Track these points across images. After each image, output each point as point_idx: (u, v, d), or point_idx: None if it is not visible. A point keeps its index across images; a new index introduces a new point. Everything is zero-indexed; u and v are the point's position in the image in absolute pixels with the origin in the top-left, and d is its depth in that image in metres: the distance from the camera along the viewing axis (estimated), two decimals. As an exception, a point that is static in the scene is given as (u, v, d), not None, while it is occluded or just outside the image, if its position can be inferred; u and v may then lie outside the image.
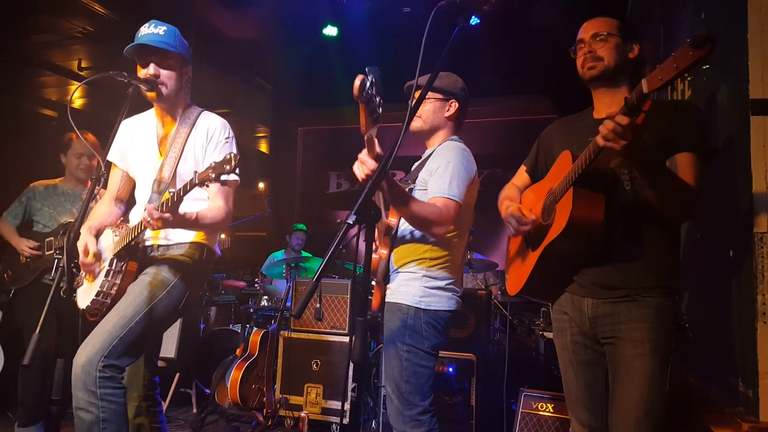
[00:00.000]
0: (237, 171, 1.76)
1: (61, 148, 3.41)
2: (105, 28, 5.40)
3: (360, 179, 1.80)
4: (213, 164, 1.80)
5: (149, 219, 1.86)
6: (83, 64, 6.26)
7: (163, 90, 2.15)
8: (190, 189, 1.84)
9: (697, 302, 2.40)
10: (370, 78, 1.54)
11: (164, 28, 2.17)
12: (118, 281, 2.09)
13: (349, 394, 3.63)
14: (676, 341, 1.67)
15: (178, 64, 2.18)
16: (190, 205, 2.08)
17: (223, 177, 1.77)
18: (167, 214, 1.86)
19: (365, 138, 1.71)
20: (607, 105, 1.79)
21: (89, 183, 3.35)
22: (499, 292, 4.62)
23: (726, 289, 1.95)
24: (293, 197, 7.99)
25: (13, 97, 6.19)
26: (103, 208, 2.34)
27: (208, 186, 1.87)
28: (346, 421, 3.60)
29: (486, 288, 4.46)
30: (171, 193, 1.89)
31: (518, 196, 2.03)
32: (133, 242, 2.10)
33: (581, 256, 1.75)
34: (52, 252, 3.18)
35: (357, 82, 1.56)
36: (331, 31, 5.94)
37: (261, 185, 9.53)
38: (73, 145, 3.36)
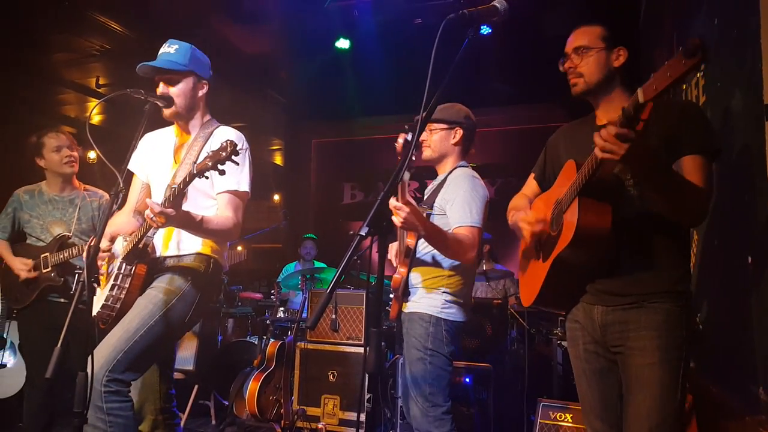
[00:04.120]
0: (234, 158, 1.80)
1: (33, 152, 3.10)
2: (122, 45, 5.51)
3: (399, 225, 2.09)
4: (210, 153, 1.83)
5: (151, 215, 1.87)
6: (101, 81, 6.40)
7: (173, 107, 2.20)
8: (190, 181, 1.87)
9: (715, 309, 2.36)
10: (410, 136, 1.78)
11: (177, 46, 2.22)
12: (126, 285, 2.09)
13: (365, 405, 3.63)
14: (689, 346, 1.65)
15: (189, 81, 2.23)
16: (196, 212, 2.10)
17: (221, 166, 1.80)
18: (169, 210, 1.86)
19: (399, 185, 1.99)
20: (605, 110, 1.80)
21: (75, 181, 3.18)
22: (515, 302, 4.59)
23: (745, 295, 1.92)
24: (307, 209, 8.03)
25: (33, 114, 6.34)
26: (122, 218, 2.36)
27: (207, 177, 1.89)
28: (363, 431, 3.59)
29: (504, 297, 4.44)
30: (172, 188, 1.92)
31: (527, 206, 2.02)
32: (140, 244, 2.10)
33: (591, 266, 1.73)
34: (49, 270, 2.98)
35: (400, 140, 1.96)
36: (343, 44, 5.99)
37: (276, 197, 9.60)
38: (46, 143, 3.08)
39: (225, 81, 6.19)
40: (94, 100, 6.66)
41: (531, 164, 2.17)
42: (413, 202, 2.10)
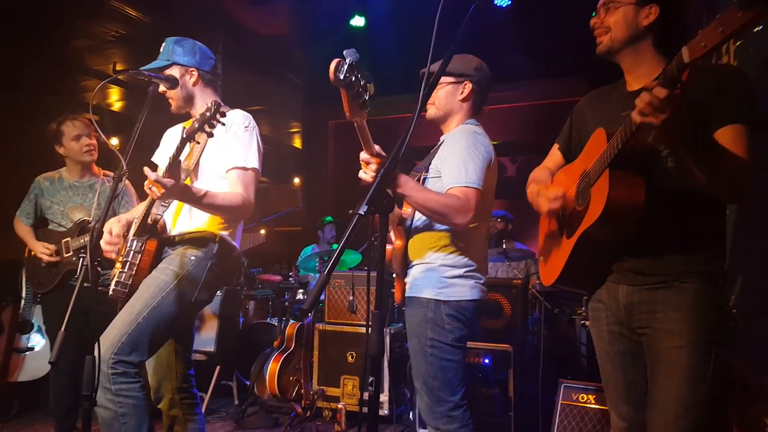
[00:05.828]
0: (220, 119, 1.82)
1: (52, 140, 3.14)
2: (138, 31, 5.51)
3: (369, 181, 1.80)
4: (197, 116, 1.86)
5: (149, 184, 1.87)
6: (118, 67, 6.42)
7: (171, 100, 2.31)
8: (183, 146, 1.92)
9: (750, 289, 2.27)
10: (347, 61, 1.48)
11: (164, 44, 2.31)
12: (137, 262, 2.09)
13: (387, 386, 3.62)
14: (722, 330, 1.55)
15: (173, 72, 2.29)
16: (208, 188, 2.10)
17: (208, 128, 1.83)
18: (166, 179, 1.85)
19: (355, 125, 1.68)
20: (635, 74, 1.68)
21: (94, 167, 3.22)
22: (537, 282, 4.51)
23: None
24: (326, 191, 8.01)
25: (55, 100, 6.39)
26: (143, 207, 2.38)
27: (198, 142, 1.92)
28: (384, 412, 3.60)
29: (525, 277, 4.36)
30: (169, 160, 1.93)
31: (549, 179, 1.92)
32: (149, 219, 2.10)
33: (620, 243, 1.63)
34: (70, 255, 3.02)
35: (332, 65, 1.49)
36: (358, 21, 5.90)
37: (296, 180, 9.60)
38: (65, 132, 3.11)
39: (242, 65, 6.16)
40: (115, 86, 6.70)
41: (553, 140, 2.07)
42: (383, 153, 1.82)
